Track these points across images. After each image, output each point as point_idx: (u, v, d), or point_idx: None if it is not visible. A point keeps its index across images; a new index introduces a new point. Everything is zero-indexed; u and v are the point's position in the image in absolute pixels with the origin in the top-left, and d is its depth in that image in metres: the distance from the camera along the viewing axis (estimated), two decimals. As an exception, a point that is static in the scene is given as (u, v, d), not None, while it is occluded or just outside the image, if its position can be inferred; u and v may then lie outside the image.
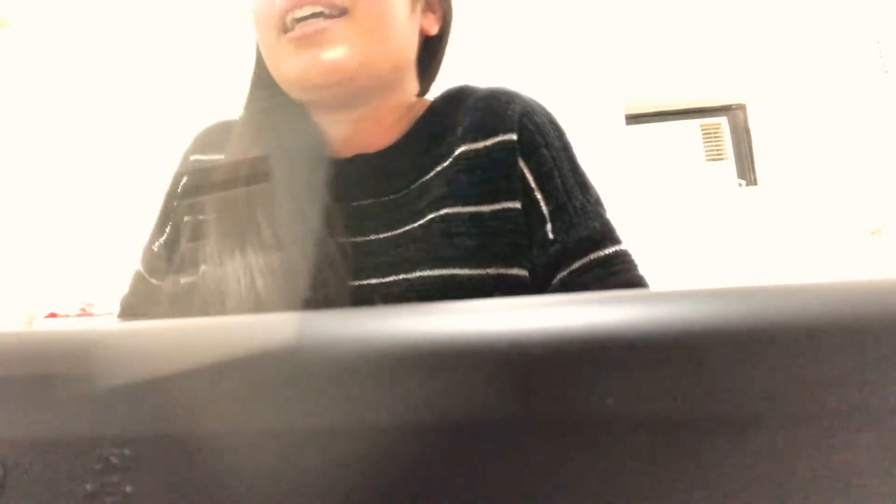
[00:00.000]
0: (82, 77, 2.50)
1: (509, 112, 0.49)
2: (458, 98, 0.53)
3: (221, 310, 0.42)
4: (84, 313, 2.27)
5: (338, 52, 0.44)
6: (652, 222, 2.50)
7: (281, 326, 0.15)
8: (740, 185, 2.76)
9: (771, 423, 0.13)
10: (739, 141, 2.82)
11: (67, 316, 2.22)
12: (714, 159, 2.79)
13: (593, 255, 0.45)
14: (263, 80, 0.51)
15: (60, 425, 0.14)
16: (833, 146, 2.50)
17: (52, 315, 2.20)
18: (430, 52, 0.56)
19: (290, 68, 0.45)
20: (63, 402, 0.14)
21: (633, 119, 2.82)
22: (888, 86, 2.36)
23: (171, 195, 0.53)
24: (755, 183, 2.76)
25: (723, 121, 2.84)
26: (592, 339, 0.14)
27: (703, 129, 2.82)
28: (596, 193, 0.49)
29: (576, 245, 0.45)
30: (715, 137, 2.81)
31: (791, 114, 2.63)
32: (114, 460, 0.14)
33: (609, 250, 0.46)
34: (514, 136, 0.48)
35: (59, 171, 2.37)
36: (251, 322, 0.16)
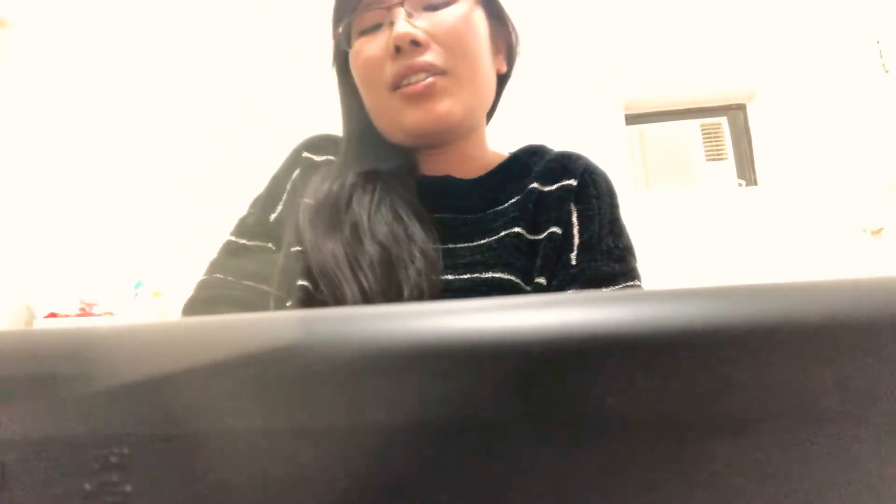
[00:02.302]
0: (83, 77, 2.50)
1: (575, 166, 0.58)
2: (535, 153, 0.62)
3: (333, 290, 0.48)
4: (84, 313, 2.27)
5: (446, 105, 0.52)
6: (652, 222, 2.50)
7: (281, 326, 0.15)
8: (740, 185, 2.75)
9: (771, 422, 0.13)
10: (739, 141, 2.82)
11: (67, 316, 2.22)
12: (714, 159, 2.79)
13: (606, 292, 0.52)
14: (355, 114, 0.59)
15: (60, 425, 0.14)
16: (833, 146, 2.50)
17: (52, 315, 2.20)
18: (498, 86, 0.63)
19: (407, 121, 0.53)
20: (62, 402, 0.14)
21: (633, 119, 2.82)
22: (888, 86, 2.36)
23: (284, 180, 0.61)
24: (755, 183, 2.75)
25: (723, 121, 2.84)
26: (592, 338, 0.14)
27: (703, 129, 2.82)
28: (628, 243, 0.56)
29: (593, 275, 0.52)
30: (715, 137, 2.81)
31: (791, 114, 2.63)
32: (113, 459, 0.14)
33: (620, 285, 0.52)
34: (574, 182, 0.57)
35: (59, 171, 2.37)
36: (251, 321, 0.16)
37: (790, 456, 0.13)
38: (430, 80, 0.51)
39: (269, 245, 0.58)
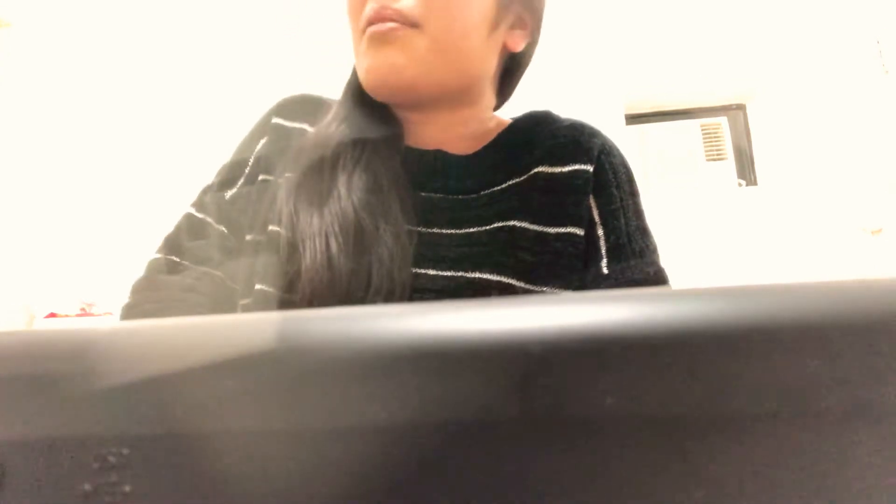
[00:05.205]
0: (83, 77, 2.50)
1: (590, 145, 0.51)
2: (540, 121, 0.55)
3: (290, 268, 0.44)
4: (84, 313, 2.26)
5: (400, 57, 0.46)
6: (652, 222, 2.49)
7: (281, 325, 0.15)
8: (740, 185, 2.75)
9: (771, 422, 0.13)
10: (739, 141, 2.82)
11: (67, 316, 2.22)
12: (714, 159, 2.79)
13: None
14: (354, 69, 0.53)
15: (59, 425, 0.14)
16: (833, 146, 2.50)
17: (52, 315, 2.20)
18: (513, 67, 0.57)
19: (362, 65, 0.48)
20: (62, 402, 0.14)
21: (633, 119, 2.82)
22: (888, 86, 2.36)
23: (248, 150, 0.55)
24: (755, 183, 2.76)
25: (723, 121, 2.84)
26: (592, 338, 0.14)
27: (703, 129, 2.82)
28: (654, 241, 0.52)
29: (627, 286, 0.47)
30: (715, 137, 2.81)
31: (791, 114, 2.63)
32: (112, 460, 0.14)
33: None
34: (590, 168, 0.50)
35: (59, 171, 2.37)
36: (251, 321, 0.16)
37: (790, 456, 0.13)
38: (393, 25, 0.45)
39: (223, 228, 0.52)
